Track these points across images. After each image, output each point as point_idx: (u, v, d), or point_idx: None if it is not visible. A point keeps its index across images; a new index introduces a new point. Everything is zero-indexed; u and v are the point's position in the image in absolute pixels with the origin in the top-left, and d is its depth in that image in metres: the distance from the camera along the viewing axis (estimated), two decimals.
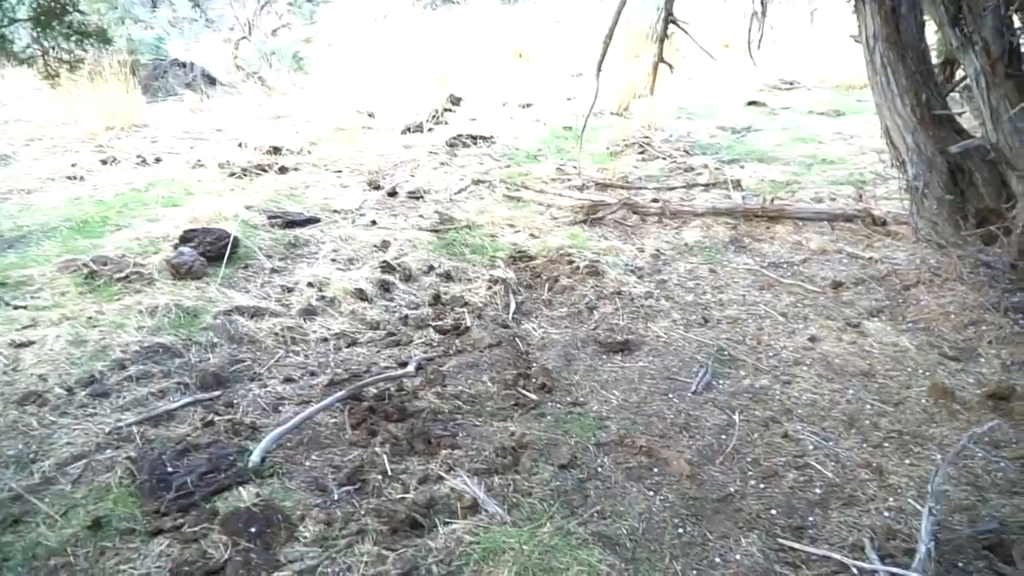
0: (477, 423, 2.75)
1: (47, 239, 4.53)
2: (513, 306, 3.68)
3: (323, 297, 3.70)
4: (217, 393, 2.86)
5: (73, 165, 6.12)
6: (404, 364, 3.15)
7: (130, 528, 2.17)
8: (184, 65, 9.85)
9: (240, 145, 6.71)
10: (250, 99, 8.72)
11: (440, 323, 3.54)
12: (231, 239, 4.07)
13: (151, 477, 2.32)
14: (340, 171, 5.90)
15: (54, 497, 2.32)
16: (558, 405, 2.89)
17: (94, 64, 7.04)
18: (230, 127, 7.54)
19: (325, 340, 3.36)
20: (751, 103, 8.73)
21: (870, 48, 3.93)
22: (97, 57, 6.99)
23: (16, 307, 3.57)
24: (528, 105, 8.67)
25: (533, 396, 2.94)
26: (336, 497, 2.31)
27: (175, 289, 3.69)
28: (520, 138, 6.93)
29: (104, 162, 6.21)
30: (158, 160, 6.31)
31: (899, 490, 2.36)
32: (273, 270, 4.01)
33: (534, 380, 3.05)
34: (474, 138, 6.82)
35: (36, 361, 3.07)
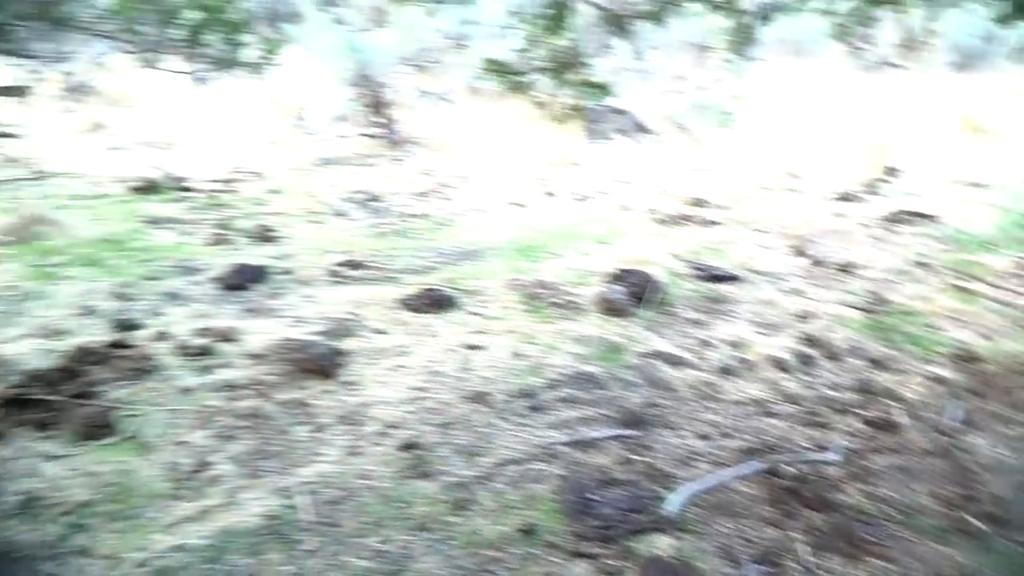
0: (909, 537, 2.45)
1: (494, 257, 5.15)
2: (957, 413, 3.23)
3: (740, 358, 3.64)
4: (636, 432, 2.96)
5: (519, 193, 6.93)
6: (823, 448, 2.94)
7: (554, 543, 2.32)
8: (619, 112, 10.61)
9: (664, 193, 6.98)
10: (675, 149, 9.04)
11: (866, 413, 3.24)
12: (656, 284, 4.22)
13: (576, 499, 2.47)
14: (762, 231, 5.80)
15: (491, 494, 2.58)
16: (1012, 543, 2.44)
17: (549, 105, 7.92)
18: (655, 175, 7.88)
19: (739, 403, 3.29)
20: None
21: None
22: (551, 98, 7.86)
23: (470, 313, 4.11)
24: (980, 184, 7.66)
25: (980, 524, 2.53)
26: (748, 573, 2.22)
27: (602, 323, 3.92)
28: (970, 221, 6.12)
29: (545, 194, 6.93)
30: (590, 198, 6.84)
31: None
32: (692, 321, 4.05)
33: (981, 505, 2.63)
34: (913, 215, 6.20)
35: (484, 365, 3.48)
